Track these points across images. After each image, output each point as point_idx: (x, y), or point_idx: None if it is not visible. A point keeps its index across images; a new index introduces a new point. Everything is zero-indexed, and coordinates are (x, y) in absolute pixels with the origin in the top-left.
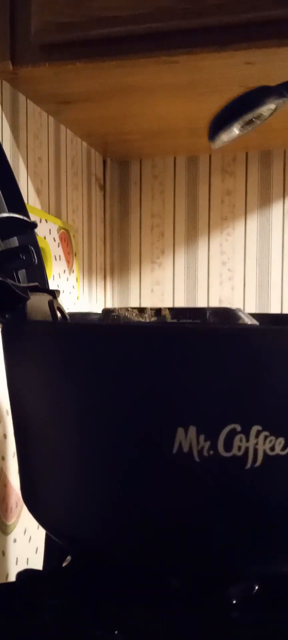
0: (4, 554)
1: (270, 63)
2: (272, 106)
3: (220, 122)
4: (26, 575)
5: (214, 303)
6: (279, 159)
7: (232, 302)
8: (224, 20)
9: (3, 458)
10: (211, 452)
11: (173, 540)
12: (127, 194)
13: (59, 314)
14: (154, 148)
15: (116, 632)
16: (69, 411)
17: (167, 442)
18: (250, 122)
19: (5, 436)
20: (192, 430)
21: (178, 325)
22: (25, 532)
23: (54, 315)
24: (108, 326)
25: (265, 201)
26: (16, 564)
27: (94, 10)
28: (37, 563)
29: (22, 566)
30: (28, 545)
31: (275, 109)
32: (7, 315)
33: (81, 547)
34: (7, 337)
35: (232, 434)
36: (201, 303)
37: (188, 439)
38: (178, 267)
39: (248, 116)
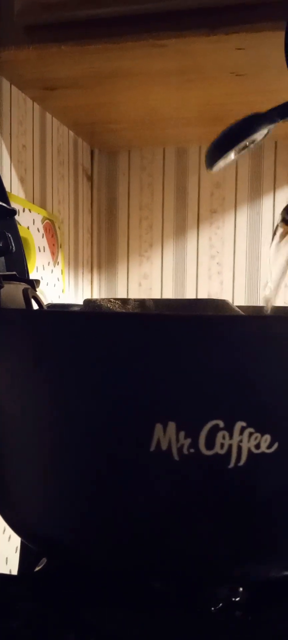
0: None
1: (263, 49)
2: (264, 131)
3: (216, 151)
4: None
5: (203, 297)
6: (270, 152)
7: (221, 296)
8: (215, 2)
9: None
10: (191, 450)
11: (153, 541)
12: (115, 185)
13: (34, 304)
14: (143, 138)
15: (92, 639)
16: (41, 407)
17: (144, 439)
18: (245, 146)
19: None
20: (171, 426)
21: (156, 313)
22: (4, 530)
23: (28, 303)
24: (80, 313)
25: (256, 194)
26: None
27: None
28: (17, 562)
29: (1, 565)
30: (7, 544)
31: (268, 133)
32: None
33: (56, 550)
34: None
35: (215, 430)
36: (190, 297)
37: (167, 435)
38: (167, 261)
39: (243, 143)
